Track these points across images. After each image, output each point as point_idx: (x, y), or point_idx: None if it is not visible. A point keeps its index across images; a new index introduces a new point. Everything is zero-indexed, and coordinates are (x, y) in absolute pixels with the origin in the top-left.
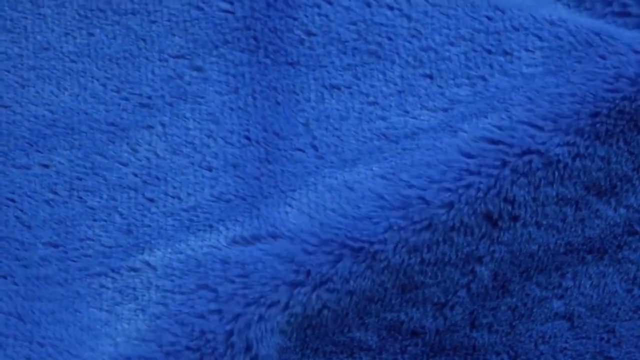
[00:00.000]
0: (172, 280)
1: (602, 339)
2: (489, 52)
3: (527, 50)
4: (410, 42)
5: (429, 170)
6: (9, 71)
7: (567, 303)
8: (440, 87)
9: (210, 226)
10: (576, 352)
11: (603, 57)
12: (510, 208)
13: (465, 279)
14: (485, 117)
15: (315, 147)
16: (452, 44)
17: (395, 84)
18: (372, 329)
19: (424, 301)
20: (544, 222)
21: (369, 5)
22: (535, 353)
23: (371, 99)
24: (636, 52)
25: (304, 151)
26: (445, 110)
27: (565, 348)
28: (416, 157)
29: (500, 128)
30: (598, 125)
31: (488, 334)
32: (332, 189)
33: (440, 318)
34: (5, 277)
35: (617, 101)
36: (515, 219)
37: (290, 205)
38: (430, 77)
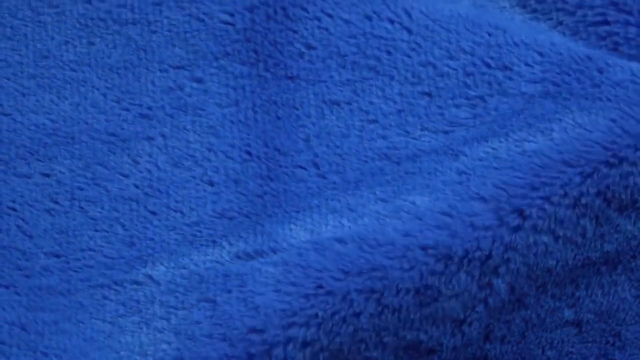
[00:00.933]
0: (176, 297)
1: (607, 342)
2: (488, 66)
3: (527, 64)
4: (409, 57)
5: (430, 195)
6: (9, 79)
7: (577, 311)
8: (439, 107)
9: (214, 242)
10: (581, 356)
11: (600, 71)
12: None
13: (483, 293)
14: (486, 141)
15: (316, 165)
16: (451, 58)
17: (395, 102)
18: (390, 349)
19: (444, 318)
20: (561, 234)
21: (369, 18)
22: (542, 358)
23: (371, 116)
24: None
25: (305, 169)
26: (445, 132)
27: (571, 352)
28: (418, 182)
29: (498, 149)
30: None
31: (500, 345)
32: (336, 212)
33: (458, 335)
34: (7, 287)
35: (621, 122)
36: (522, 213)
37: (294, 224)
38: (429, 95)
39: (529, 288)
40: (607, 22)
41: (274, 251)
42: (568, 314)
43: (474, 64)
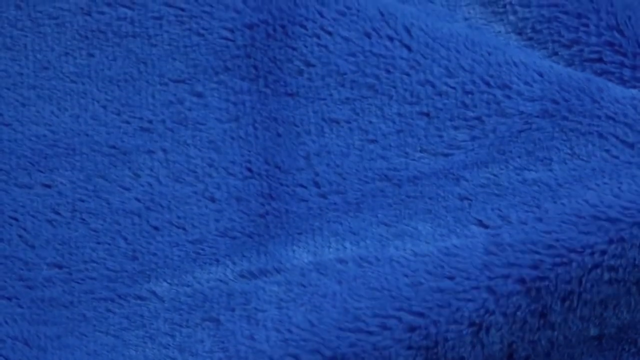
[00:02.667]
0: (180, 315)
1: (623, 349)
2: (488, 84)
3: (526, 83)
4: (408, 75)
5: (433, 221)
6: (9, 89)
7: (602, 328)
8: (438, 128)
9: (217, 260)
10: None
11: (600, 90)
12: None
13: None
14: (486, 167)
15: (317, 184)
16: (450, 76)
17: (394, 122)
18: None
19: (458, 320)
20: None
21: (368, 36)
22: None
23: (371, 136)
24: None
25: (306, 187)
26: (445, 155)
27: None
28: (420, 206)
29: (499, 176)
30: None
31: None
32: (338, 234)
33: (478, 345)
34: (10, 299)
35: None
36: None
37: (297, 246)
38: (428, 115)
39: (553, 301)
40: (602, 61)
41: (278, 271)
42: (593, 331)
43: (474, 82)
